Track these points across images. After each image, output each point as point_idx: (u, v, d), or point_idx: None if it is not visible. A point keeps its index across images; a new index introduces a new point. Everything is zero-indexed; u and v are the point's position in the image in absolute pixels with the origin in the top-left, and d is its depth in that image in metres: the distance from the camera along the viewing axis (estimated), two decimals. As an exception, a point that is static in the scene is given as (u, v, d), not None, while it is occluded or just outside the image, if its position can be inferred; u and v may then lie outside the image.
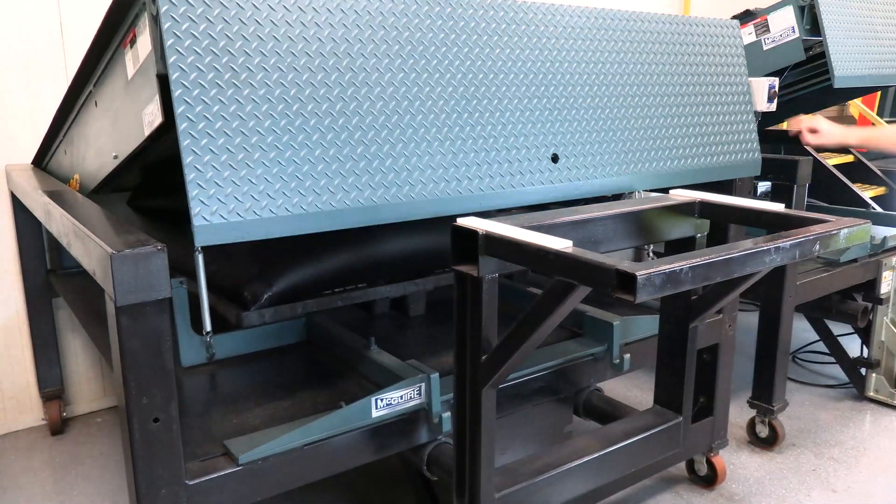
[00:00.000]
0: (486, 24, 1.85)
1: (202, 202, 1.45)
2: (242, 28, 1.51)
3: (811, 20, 3.05)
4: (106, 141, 2.01)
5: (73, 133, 2.34)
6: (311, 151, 1.59)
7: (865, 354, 3.38)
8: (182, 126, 1.44)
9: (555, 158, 1.95)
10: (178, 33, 1.43)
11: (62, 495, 2.67)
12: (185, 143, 1.44)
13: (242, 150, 1.50)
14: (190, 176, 1.44)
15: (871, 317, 3.27)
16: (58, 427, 3.13)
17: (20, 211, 2.93)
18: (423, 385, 1.87)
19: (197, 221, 1.44)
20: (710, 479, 2.63)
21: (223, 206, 1.47)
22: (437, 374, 1.89)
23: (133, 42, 1.62)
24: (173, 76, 1.43)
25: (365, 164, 1.66)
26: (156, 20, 1.45)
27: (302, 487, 1.74)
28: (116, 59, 1.77)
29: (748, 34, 3.23)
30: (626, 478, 2.35)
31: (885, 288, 3.22)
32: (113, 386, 3.34)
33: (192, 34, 1.45)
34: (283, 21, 1.56)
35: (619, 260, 1.32)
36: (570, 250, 1.42)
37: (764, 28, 3.18)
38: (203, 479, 1.57)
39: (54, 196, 2.07)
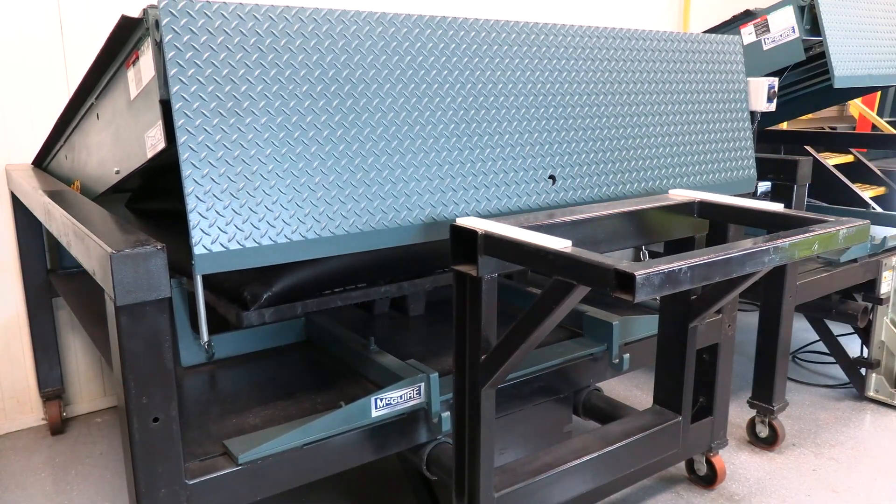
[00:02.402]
0: (486, 46, 1.85)
1: (203, 231, 1.46)
2: (246, 56, 1.51)
3: (811, 20, 3.05)
4: (108, 154, 2.01)
5: (75, 140, 2.35)
6: (312, 179, 1.59)
7: (865, 354, 3.38)
8: (184, 156, 1.44)
9: (553, 179, 1.96)
10: (181, 63, 1.44)
11: (62, 495, 2.67)
12: (186, 172, 1.44)
13: (244, 178, 1.51)
14: (191, 205, 1.45)
15: (871, 317, 3.27)
16: (58, 427, 3.13)
17: (20, 211, 2.93)
18: (422, 385, 1.87)
19: (198, 251, 1.45)
20: (709, 479, 2.63)
21: (224, 235, 1.48)
22: (437, 374, 1.89)
23: (136, 62, 1.62)
24: (176, 106, 1.44)
25: (364, 189, 1.66)
26: (159, 47, 1.45)
27: (302, 487, 1.74)
28: (119, 76, 1.77)
29: (748, 34, 3.23)
30: (625, 478, 2.35)
31: (885, 288, 3.22)
32: (113, 386, 3.34)
33: (196, 63, 1.45)
34: (285, 48, 1.56)
35: (618, 260, 1.32)
36: (569, 250, 1.42)
37: (764, 28, 3.18)
38: (203, 479, 1.58)
39: (54, 196, 2.07)
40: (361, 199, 1.66)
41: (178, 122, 1.44)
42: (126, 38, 1.65)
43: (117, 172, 1.95)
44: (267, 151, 1.54)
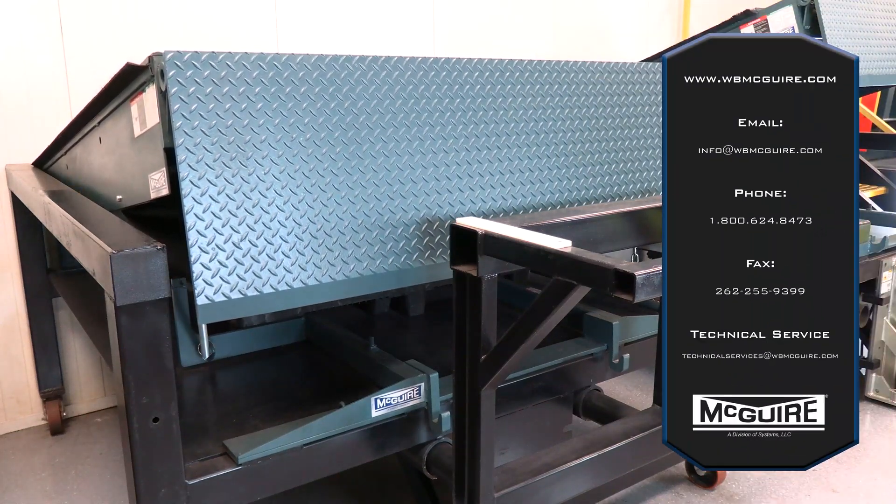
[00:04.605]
0: (491, 86, 1.86)
1: (206, 283, 1.46)
2: (250, 106, 1.51)
3: (811, 20, 3.05)
4: (110, 179, 2.02)
5: (77, 153, 2.36)
6: (314, 226, 1.59)
7: (865, 354, 3.37)
8: (188, 207, 1.44)
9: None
10: (185, 115, 1.44)
11: (62, 495, 2.67)
12: (190, 223, 1.44)
13: (246, 228, 1.51)
14: (195, 256, 1.45)
15: (871, 317, 3.26)
16: (58, 427, 3.13)
17: (20, 211, 2.93)
18: (422, 385, 1.87)
19: (200, 301, 1.45)
20: (709, 479, 2.63)
21: (226, 285, 1.48)
22: (437, 374, 1.89)
23: (140, 100, 1.61)
24: (181, 158, 1.44)
25: (365, 234, 1.66)
26: (164, 97, 1.45)
27: (302, 487, 1.74)
28: (122, 110, 1.77)
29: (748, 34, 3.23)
30: (625, 477, 2.35)
31: (885, 288, 3.22)
32: (113, 386, 3.34)
33: (200, 115, 1.45)
34: (290, 96, 1.56)
35: (618, 260, 1.32)
36: (569, 250, 1.42)
37: (764, 28, 3.18)
38: (203, 479, 1.58)
39: (54, 196, 2.07)
40: (362, 244, 1.66)
41: (183, 174, 1.44)
42: (130, 80, 1.65)
43: (120, 200, 1.97)
44: (270, 200, 1.54)
